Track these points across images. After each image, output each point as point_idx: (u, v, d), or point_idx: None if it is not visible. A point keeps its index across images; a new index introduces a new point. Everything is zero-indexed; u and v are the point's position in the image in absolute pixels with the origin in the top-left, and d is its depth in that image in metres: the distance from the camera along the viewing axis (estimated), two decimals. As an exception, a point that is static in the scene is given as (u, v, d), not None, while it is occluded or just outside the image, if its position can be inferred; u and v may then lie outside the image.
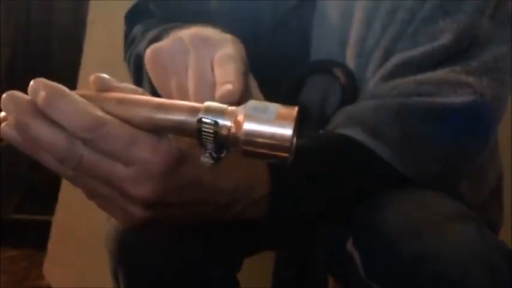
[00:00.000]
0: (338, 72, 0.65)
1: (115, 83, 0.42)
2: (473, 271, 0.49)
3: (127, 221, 0.44)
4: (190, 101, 0.42)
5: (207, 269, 0.63)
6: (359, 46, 0.63)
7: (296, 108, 0.38)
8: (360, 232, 0.58)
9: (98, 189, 0.42)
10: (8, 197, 1.75)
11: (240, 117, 0.38)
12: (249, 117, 0.37)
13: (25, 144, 0.40)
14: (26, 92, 0.40)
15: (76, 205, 1.03)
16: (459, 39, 0.60)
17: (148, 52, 0.51)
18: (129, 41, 0.73)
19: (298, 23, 0.70)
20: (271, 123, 0.37)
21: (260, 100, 0.39)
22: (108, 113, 0.40)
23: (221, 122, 0.38)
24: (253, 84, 0.53)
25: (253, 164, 0.49)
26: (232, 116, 0.38)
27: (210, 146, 0.39)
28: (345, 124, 0.60)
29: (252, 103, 0.38)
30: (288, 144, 0.37)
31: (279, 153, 0.38)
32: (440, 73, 0.60)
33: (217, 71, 0.47)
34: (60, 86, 0.39)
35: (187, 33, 0.51)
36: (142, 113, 0.39)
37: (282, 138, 0.37)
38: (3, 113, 0.40)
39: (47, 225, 1.46)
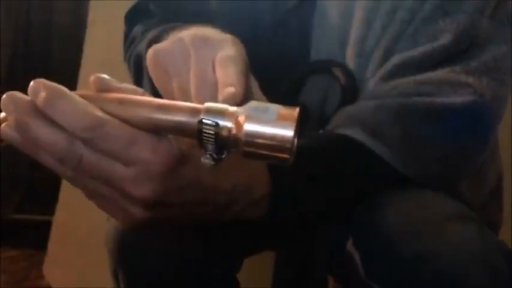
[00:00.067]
0: (338, 72, 0.65)
1: (115, 83, 0.42)
2: (473, 271, 0.49)
3: (127, 221, 0.44)
4: (192, 102, 0.42)
5: (207, 269, 0.63)
6: (359, 46, 0.63)
7: (297, 109, 0.38)
8: (360, 232, 0.58)
9: (97, 190, 0.42)
10: (8, 197, 1.75)
11: (241, 118, 0.37)
12: (250, 118, 0.37)
13: (25, 144, 0.40)
14: (26, 92, 0.40)
15: (76, 205, 1.03)
16: (459, 39, 0.60)
17: (150, 53, 0.51)
18: (129, 41, 0.73)
19: (298, 23, 0.70)
20: (272, 124, 0.37)
21: (262, 100, 0.39)
22: (108, 113, 0.40)
23: (222, 123, 0.38)
24: (254, 85, 0.53)
25: (252, 164, 0.49)
26: (232, 116, 0.38)
27: (210, 147, 0.38)
28: (345, 124, 0.60)
29: (252, 104, 0.38)
30: (289, 145, 0.37)
31: (280, 154, 0.38)
32: (440, 73, 0.60)
33: (218, 73, 0.47)
34: (60, 86, 0.39)
35: (188, 34, 0.51)
36: (143, 114, 0.39)
37: (283, 139, 0.37)
38: (3, 114, 0.40)
39: (47, 225, 1.46)
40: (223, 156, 0.39)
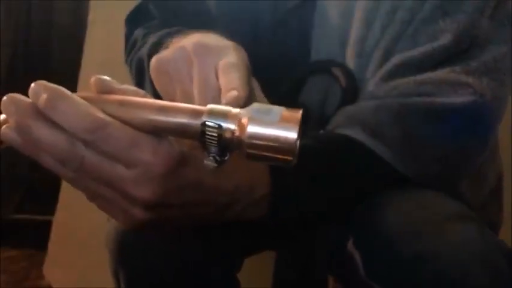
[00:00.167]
0: (338, 73, 0.65)
1: (116, 85, 0.42)
2: (474, 271, 0.49)
3: (128, 222, 0.44)
4: None
5: (207, 269, 0.63)
6: (359, 46, 0.63)
7: (300, 111, 0.38)
8: (360, 232, 0.58)
9: (98, 191, 0.42)
10: (8, 197, 1.75)
11: (244, 120, 0.37)
12: (253, 120, 0.37)
13: (26, 146, 0.40)
14: (26, 92, 0.40)
15: (76, 205, 1.03)
16: (459, 39, 0.60)
17: (153, 62, 0.52)
18: (130, 45, 0.73)
19: (298, 23, 0.70)
20: (276, 126, 0.37)
21: (264, 103, 0.39)
22: (109, 115, 0.40)
23: (225, 125, 0.38)
24: (257, 89, 0.53)
25: (253, 164, 0.50)
26: (235, 118, 0.38)
27: (213, 149, 0.38)
28: (345, 124, 0.60)
29: (255, 106, 0.38)
30: (292, 147, 0.37)
31: (283, 156, 0.37)
32: (440, 73, 0.60)
33: (221, 79, 0.47)
34: (61, 88, 0.40)
35: (190, 41, 0.51)
36: (144, 115, 0.39)
37: (286, 141, 0.37)
38: (3, 116, 0.40)
39: (47, 225, 1.46)
40: (226, 158, 0.39)
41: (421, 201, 0.57)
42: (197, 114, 0.38)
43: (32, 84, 0.39)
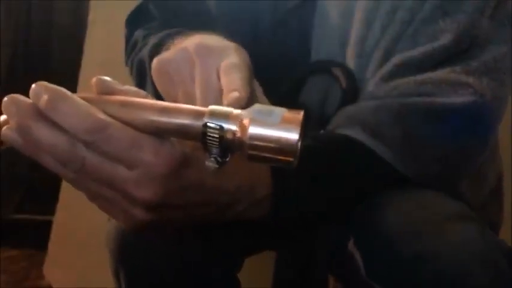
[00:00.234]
0: (338, 73, 0.65)
1: (117, 85, 0.42)
2: (474, 271, 0.49)
3: (129, 222, 0.45)
4: None
5: (207, 269, 0.63)
6: (359, 46, 0.64)
7: (302, 112, 0.38)
8: (360, 232, 0.58)
9: (99, 192, 0.42)
10: (8, 197, 1.75)
11: (246, 121, 0.37)
12: (254, 121, 0.37)
13: (27, 147, 0.40)
14: (26, 93, 0.40)
15: (76, 205, 1.03)
16: (459, 39, 0.60)
17: (154, 63, 0.52)
18: (131, 46, 0.73)
19: (299, 23, 0.70)
20: (277, 127, 0.37)
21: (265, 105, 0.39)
22: (110, 115, 0.40)
23: (226, 126, 0.38)
24: (259, 90, 0.54)
25: (254, 164, 0.50)
26: (237, 119, 0.38)
27: (215, 150, 0.38)
28: (345, 124, 0.60)
29: (256, 107, 0.38)
30: (294, 148, 0.37)
31: (285, 158, 0.37)
32: (441, 73, 0.60)
33: (223, 80, 0.47)
34: (62, 89, 0.40)
35: (192, 43, 0.51)
36: (145, 116, 0.39)
37: (287, 142, 0.37)
38: (4, 117, 0.40)
39: (47, 225, 1.46)
40: (227, 159, 0.39)
41: (421, 201, 0.57)
42: (199, 115, 0.38)
43: (33, 85, 0.39)
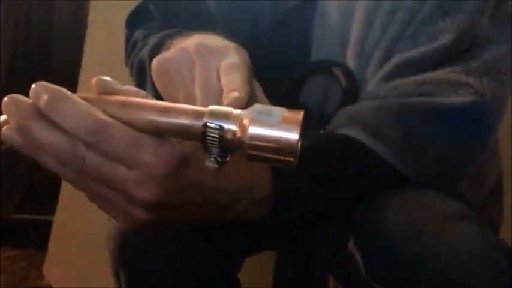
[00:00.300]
0: (338, 73, 0.65)
1: (117, 85, 0.42)
2: (474, 271, 0.49)
3: (129, 222, 0.45)
4: None
5: (207, 269, 0.63)
6: (359, 46, 0.64)
7: (302, 112, 0.38)
8: (360, 232, 0.58)
9: (100, 192, 0.42)
10: (8, 197, 1.75)
11: (246, 121, 0.37)
12: (254, 121, 0.37)
13: (27, 147, 0.40)
14: (26, 93, 0.40)
15: (76, 205, 1.03)
16: (459, 39, 0.60)
17: (154, 63, 0.52)
18: (131, 46, 0.73)
19: (299, 23, 0.70)
20: (277, 127, 0.37)
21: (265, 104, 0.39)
22: (110, 115, 0.40)
23: (226, 126, 0.38)
24: (259, 90, 0.54)
25: (254, 164, 0.50)
26: (237, 119, 0.38)
27: (215, 150, 0.38)
28: (346, 124, 0.60)
29: (256, 107, 0.38)
30: (294, 148, 0.37)
31: (285, 158, 0.37)
32: (441, 73, 0.60)
33: (223, 80, 0.47)
34: (62, 89, 0.40)
35: (192, 42, 0.51)
36: (146, 116, 0.39)
37: (288, 142, 0.37)
38: (4, 117, 0.40)
39: (47, 225, 1.46)
40: (227, 159, 0.39)
41: (421, 201, 0.57)
42: (199, 115, 0.38)
43: (33, 85, 0.39)
